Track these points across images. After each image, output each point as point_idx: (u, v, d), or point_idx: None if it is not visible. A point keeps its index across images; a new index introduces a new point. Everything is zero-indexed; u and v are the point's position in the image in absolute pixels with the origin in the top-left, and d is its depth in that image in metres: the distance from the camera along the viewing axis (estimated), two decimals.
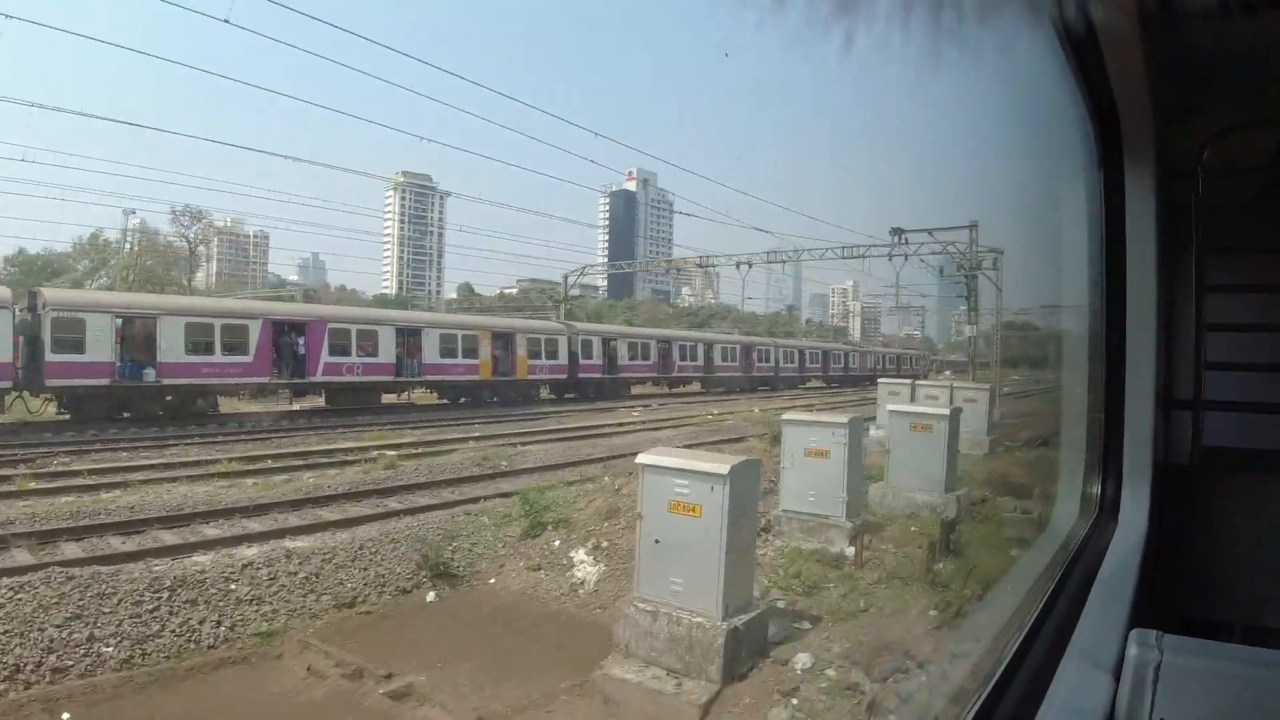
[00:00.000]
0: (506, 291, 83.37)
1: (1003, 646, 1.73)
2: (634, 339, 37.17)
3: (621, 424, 23.21)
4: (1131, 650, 1.29)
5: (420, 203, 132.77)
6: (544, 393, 32.48)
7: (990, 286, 29.49)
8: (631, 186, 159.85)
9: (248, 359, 22.72)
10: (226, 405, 23.63)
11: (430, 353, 27.93)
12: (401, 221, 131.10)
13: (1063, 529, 2.77)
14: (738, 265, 37.81)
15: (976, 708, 1.45)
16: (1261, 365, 2.61)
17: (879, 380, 19.53)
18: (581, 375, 32.93)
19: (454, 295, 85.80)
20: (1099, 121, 2.40)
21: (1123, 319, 2.64)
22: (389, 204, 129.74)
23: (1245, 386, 2.60)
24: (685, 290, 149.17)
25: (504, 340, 30.52)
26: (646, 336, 38.84)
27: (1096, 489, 2.76)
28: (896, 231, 31.30)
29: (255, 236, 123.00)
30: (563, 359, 32.34)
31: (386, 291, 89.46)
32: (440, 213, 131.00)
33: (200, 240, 52.20)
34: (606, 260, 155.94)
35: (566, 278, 45.77)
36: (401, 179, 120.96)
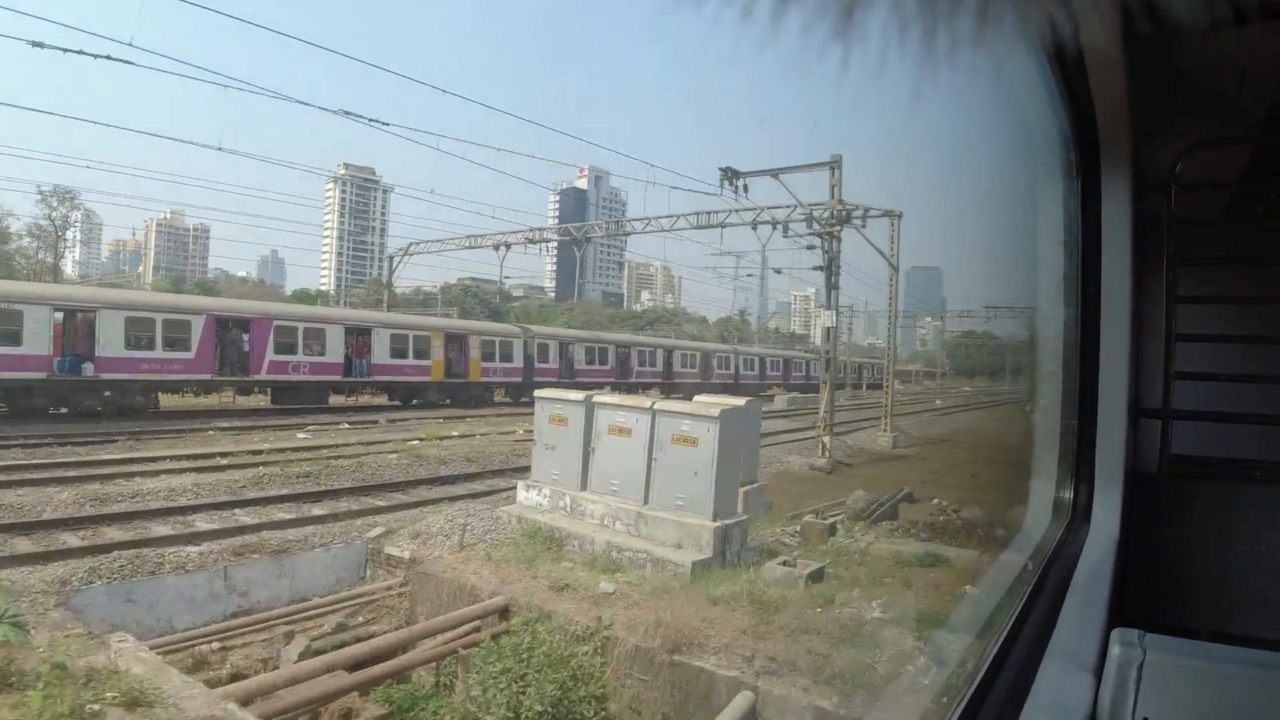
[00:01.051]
0: (427, 289, 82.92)
1: (985, 647, 1.82)
2: (591, 343, 37.62)
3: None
4: (1114, 649, 1.36)
5: (362, 196, 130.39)
6: (499, 395, 32.93)
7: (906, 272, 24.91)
8: (583, 184, 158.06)
9: (189, 355, 22.50)
10: (168, 401, 23.38)
11: (380, 353, 28.04)
12: (342, 216, 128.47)
13: (1038, 533, 2.87)
14: (574, 241, 35.22)
15: (962, 707, 1.52)
16: (1228, 376, 2.67)
17: (536, 396, 11.17)
18: (537, 379, 33.34)
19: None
20: (1078, 133, 2.49)
21: (1096, 328, 2.74)
22: (329, 197, 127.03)
23: (1213, 396, 2.69)
24: (645, 294, 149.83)
25: (457, 342, 30.78)
26: (605, 341, 39.31)
27: (1069, 494, 2.85)
28: (729, 174, 20.97)
29: (195, 230, 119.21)
30: (518, 362, 32.66)
31: (309, 287, 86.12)
32: (383, 207, 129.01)
33: (66, 223, 48.94)
34: (555, 261, 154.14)
35: (391, 260, 38.08)
36: (343, 172, 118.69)
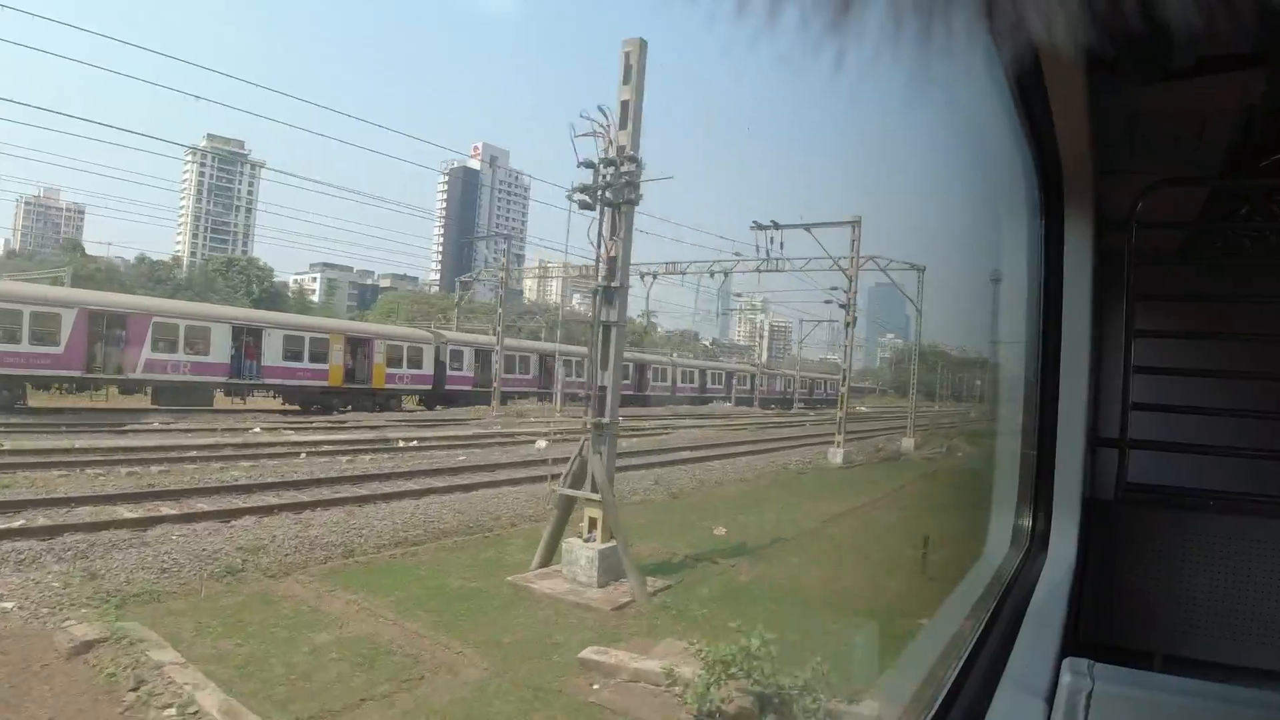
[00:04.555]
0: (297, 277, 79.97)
1: (942, 673, 1.95)
2: (512, 351, 38.64)
3: None
4: (1065, 678, 1.50)
5: (225, 173, 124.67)
6: (409, 403, 33.58)
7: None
8: (476, 164, 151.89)
9: (57, 350, 22.59)
10: (40, 399, 23.07)
11: (271, 354, 28.41)
12: (200, 194, 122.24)
13: (996, 560, 3.07)
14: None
15: None
16: (1182, 407, 2.88)
17: None
18: (450, 386, 34.19)
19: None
20: (1042, 171, 2.71)
21: (1057, 359, 2.98)
22: (186, 174, 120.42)
23: (1167, 427, 2.90)
24: (577, 297, 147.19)
25: (359, 345, 31.45)
26: (527, 350, 40.50)
27: (1028, 522, 3.07)
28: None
29: (68, 210, 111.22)
30: (428, 368, 33.49)
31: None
32: (251, 185, 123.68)
33: None
34: (440, 249, 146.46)
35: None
36: (205, 144, 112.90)
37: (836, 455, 22.20)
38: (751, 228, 25.12)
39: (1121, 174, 2.82)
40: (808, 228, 24.75)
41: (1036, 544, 2.98)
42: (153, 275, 62.41)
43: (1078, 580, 2.75)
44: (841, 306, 25.50)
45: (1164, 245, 3.24)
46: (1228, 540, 2.79)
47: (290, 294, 76.23)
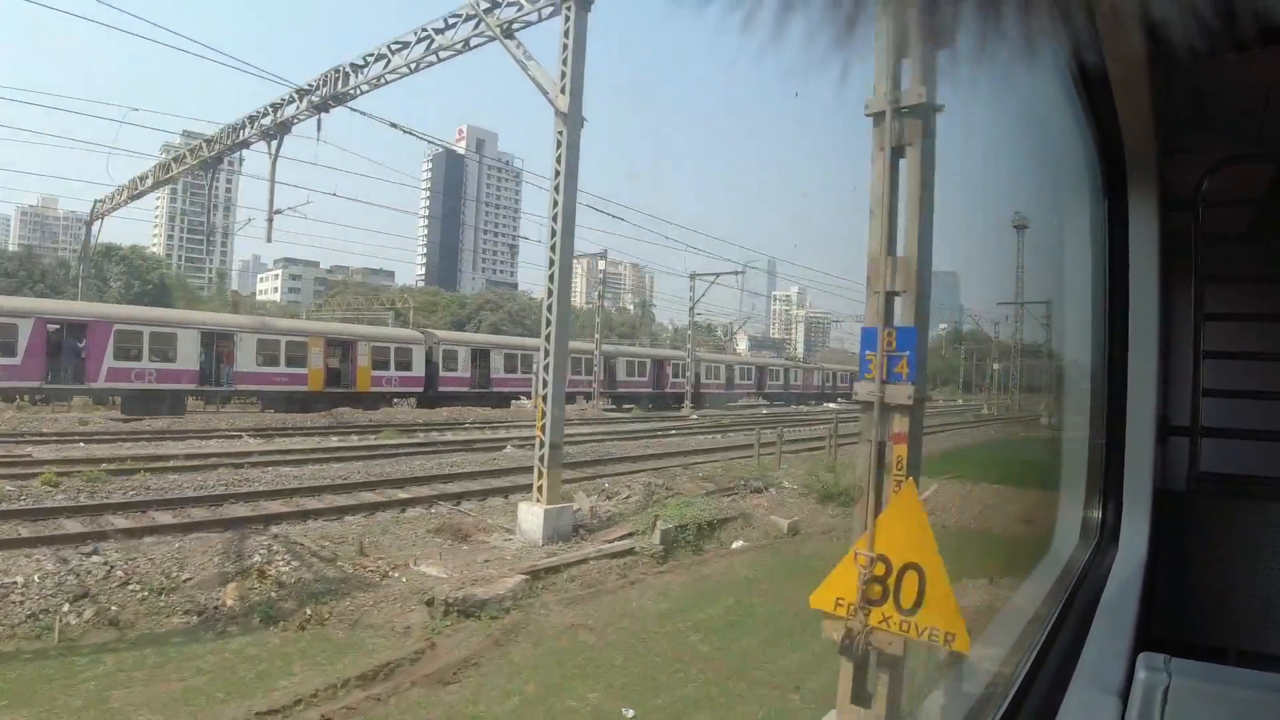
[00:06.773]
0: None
1: (1013, 669, 1.99)
2: (511, 350, 38.28)
3: None
4: (1141, 673, 1.48)
5: (201, 171, 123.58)
6: (401, 405, 33.12)
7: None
8: (461, 148, 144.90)
9: (14, 361, 22.71)
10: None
11: (245, 360, 28.31)
12: (173, 194, 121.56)
13: (1066, 554, 3.11)
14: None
15: None
16: (1256, 392, 2.89)
17: None
18: (443, 389, 33.85)
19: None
20: (1104, 152, 2.74)
21: (1124, 345, 2.99)
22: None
23: (1240, 413, 2.92)
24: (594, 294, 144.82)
25: (341, 348, 31.32)
26: (529, 348, 39.80)
27: (1098, 514, 3.10)
28: None
29: (65, 219, 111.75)
30: (418, 370, 33.24)
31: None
32: (229, 182, 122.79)
33: None
34: (425, 243, 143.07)
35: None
36: (180, 141, 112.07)
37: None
38: None
39: (1186, 152, 2.83)
40: None
41: (1107, 537, 2.98)
42: None
43: (1149, 574, 2.74)
44: None
45: (1232, 224, 3.23)
46: None
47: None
